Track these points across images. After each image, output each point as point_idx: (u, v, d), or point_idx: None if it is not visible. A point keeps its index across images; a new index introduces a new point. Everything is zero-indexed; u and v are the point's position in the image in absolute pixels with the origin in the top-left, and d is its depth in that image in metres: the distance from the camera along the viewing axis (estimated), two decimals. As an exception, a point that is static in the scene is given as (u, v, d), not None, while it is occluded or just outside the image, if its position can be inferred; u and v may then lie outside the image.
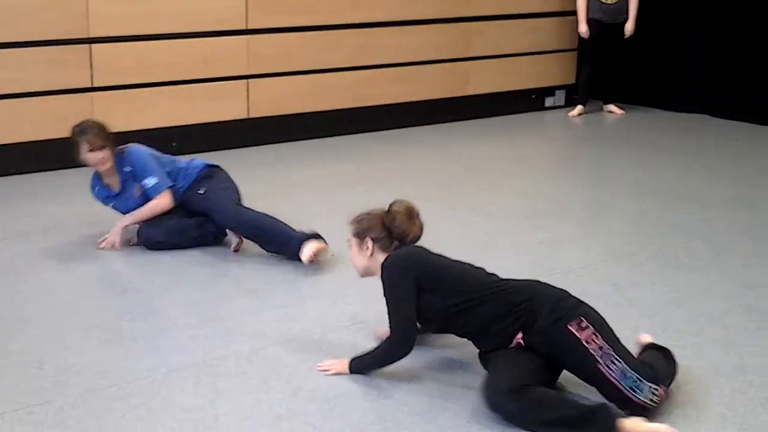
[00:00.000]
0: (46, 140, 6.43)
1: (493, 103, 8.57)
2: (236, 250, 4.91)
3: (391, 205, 3.63)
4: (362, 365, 3.51)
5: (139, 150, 5.00)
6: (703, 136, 7.99)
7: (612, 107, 8.82)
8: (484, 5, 8.35)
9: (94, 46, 6.50)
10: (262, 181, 6.28)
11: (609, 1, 8.38)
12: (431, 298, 3.41)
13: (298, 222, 5.40)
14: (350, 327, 3.98)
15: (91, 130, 4.86)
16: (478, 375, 3.47)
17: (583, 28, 8.47)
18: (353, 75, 7.72)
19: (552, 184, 6.53)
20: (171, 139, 6.83)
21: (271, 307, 4.22)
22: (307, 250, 4.62)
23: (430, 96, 8.18)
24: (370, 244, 3.55)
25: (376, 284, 4.40)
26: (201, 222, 4.96)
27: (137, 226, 4.98)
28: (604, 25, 8.43)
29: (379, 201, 5.81)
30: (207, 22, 6.95)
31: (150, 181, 4.92)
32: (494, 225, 5.44)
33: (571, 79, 9.07)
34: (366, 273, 3.63)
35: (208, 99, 7.02)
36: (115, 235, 4.95)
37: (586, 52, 8.67)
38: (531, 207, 5.79)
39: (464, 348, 3.69)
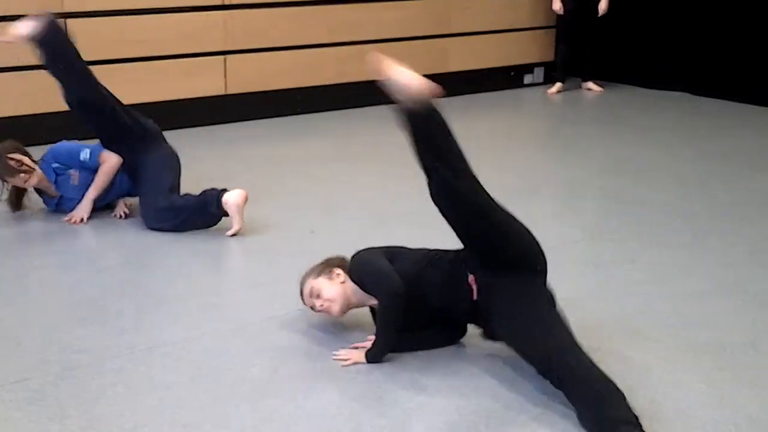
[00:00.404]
0: (15, 116, 6.35)
1: (473, 80, 8.56)
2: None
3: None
4: (376, 348, 3.42)
5: (58, 144, 5.07)
6: (681, 113, 8.02)
7: (590, 84, 8.84)
8: (464, -18, 8.33)
9: (69, 20, 6.42)
10: (240, 157, 6.25)
11: None
12: (400, 266, 3.44)
13: (276, 197, 5.40)
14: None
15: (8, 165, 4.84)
16: (465, 351, 3.49)
17: (557, 5, 8.48)
18: (332, 51, 7.68)
19: (529, 161, 6.53)
20: (147, 116, 6.76)
21: (251, 285, 4.21)
22: (233, 197, 4.69)
23: (409, 73, 8.13)
24: (339, 271, 3.54)
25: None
26: (197, 207, 4.84)
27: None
28: (578, 2, 8.43)
29: (357, 177, 5.84)
30: (184, -3, 6.90)
31: (84, 155, 4.96)
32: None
33: (549, 57, 9.07)
34: (347, 304, 3.53)
35: (185, 75, 6.97)
36: (83, 211, 4.96)
37: (561, 29, 8.69)
38: (508, 184, 5.78)
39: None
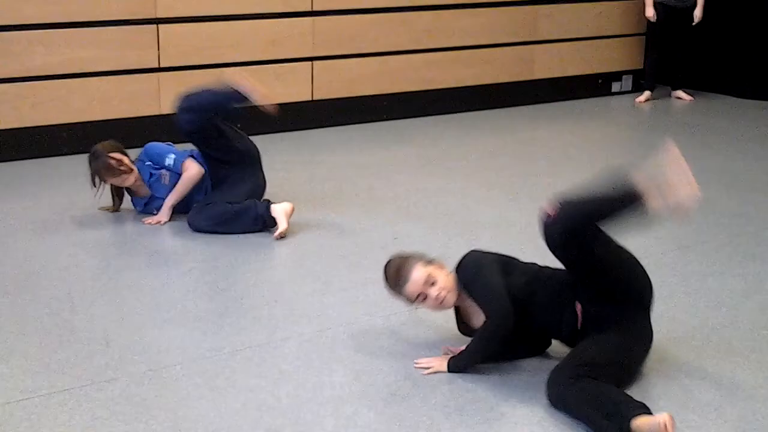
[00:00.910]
0: (114, 119, 6.49)
1: (559, 88, 8.47)
2: (280, 237, 4.85)
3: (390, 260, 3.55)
4: (462, 361, 3.38)
5: (150, 143, 5.16)
6: (746, 117, 7.82)
7: (680, 93, 8.67)
8: (552, -12, 8.26)
9: (161, 26, 6.55)
10: (326, 163, 6.28)
11: None
12: (511, 280, 3.37)
13: (361, 204, 5.41)
14: (412, 312, 3.96)
15: (101, 160, 4.93)
16: (549, 361, 3.45)
17: (650, 12, 8.31)
18: (419, 57, 7.68)
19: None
20: (235, 121, 6.85)
21: (333, 290, 4.22)
22: (279, 209, 4.81)
23: (496, 79, 8.11)
24: (443, 264, 3.47)
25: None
26: (241, 210, 4.89)
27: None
28: (671, 9, 8.26)
29: (442, 184, 5.83)
30: (273, 4, 6.97)
31: (170, 160, 5.04)
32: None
33: (638, 64, 8.92)
34: (455, 294, 3.44)
35: (272, 80, 7.03)
36: (163, 216, 5.04)
37: (653, 37, 8.51)
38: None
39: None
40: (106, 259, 4.58)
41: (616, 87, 8.87)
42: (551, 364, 3.29)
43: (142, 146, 5.77)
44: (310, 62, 7.19)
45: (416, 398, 3.24)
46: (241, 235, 4.88)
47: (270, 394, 3.26)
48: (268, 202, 4.89)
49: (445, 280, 3.39)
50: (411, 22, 7.57)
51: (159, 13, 6.52)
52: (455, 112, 7.89)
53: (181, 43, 6.65)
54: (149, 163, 5.09)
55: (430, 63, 7.74)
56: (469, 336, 3.51)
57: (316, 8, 7.15)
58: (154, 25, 6.53)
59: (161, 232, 4.95)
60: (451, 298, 3.41)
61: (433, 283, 3.37)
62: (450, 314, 3.59)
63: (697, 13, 8.26)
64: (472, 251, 3.50)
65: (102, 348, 3.59)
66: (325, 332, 3.76)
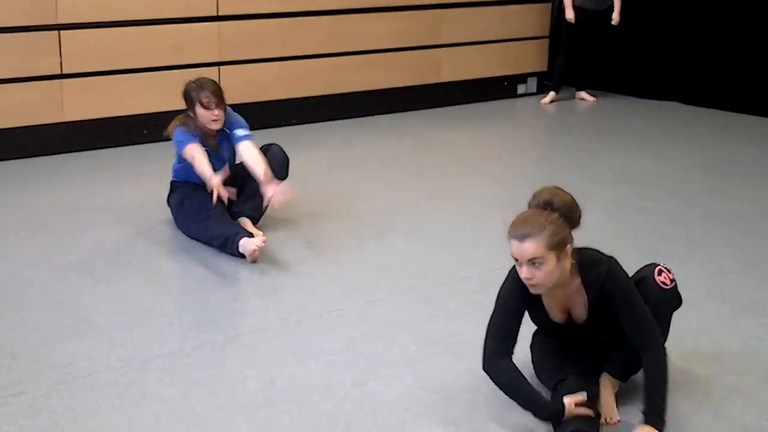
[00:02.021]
0: (17, 127, 6.34)
1: (466, 90, 8.56)
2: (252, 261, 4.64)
3: (549, 201, 3.05)
4: (662, 407, 2.98)
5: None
6: (674, 123, 8.03)
7: (584, 94, 8.84)
8: (456, -8, 8.35)
9: (63, 32, 6.42)
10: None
11: None
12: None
13: (273, 209, 5.38)
14: (326, 316, 3.96)
15: (208, 86, 4.83)
16: (453, 360, 3.48)
17: (570, 14, 8.39)
18: (325, 62, 7.68)
19: (525, 172, 6.53)
20: (142, 127, 6.78)
21: (245, 296, 4.20)
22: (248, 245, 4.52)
23: (402, 83, 8.15)
24: (569, 249, 3.04)
25: (352, 273, 4.43)
26: (221, 240, 4.67)
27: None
28: (587, 13, 8.41)
29: (352, 187, 5.84)
30: (177, 8, 6.89)
31: (241, 131, 4.93)
32: (472, 213, 5.44)
33: (542, 66, 9.08)
34: (552, 284, 3.03)
35: (179, 86, 6.93)
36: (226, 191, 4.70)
37: (566, 39, 8.60)
38: (507, 195, 5.79)
39: (428, 335, 3.69)
40: (11, 271, 4.46)
41: (521, 89, 9.00)
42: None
43: (43, 155, 5.68)
44: (216, 67, 7.13)
45: (330, 402, 3.24)
46: (147, 243, 4.81)
47: (183, 404, 3.22)
48: (239, 237, 4.57)
49: (550, 273, 2.96)
50: (317, 27, 7.57)
51: (60, 19, 6.39)
52: (363, 116, 7.91)
53: (83, 50, 6.53)
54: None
55: (337, 67, 7.74)
56: (541, 323, 3.28)
57: (221, 13, 7.09)
58: (56, 32, 6.39)
59: (69, 243, 4.85)
60: (543, 289, 3.02)
61: (536, 265, 2.96)
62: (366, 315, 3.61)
63: (615, 17, 8.41)
64: (614, 261, 3.11)
65: (8, 361, 3.51)
66: (237, 339, 3.74)
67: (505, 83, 8.88)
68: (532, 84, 9.05)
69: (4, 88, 6.29)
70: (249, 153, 4.89)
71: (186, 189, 4.94)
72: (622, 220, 5.32)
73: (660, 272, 3.16)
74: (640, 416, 2.98)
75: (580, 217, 3.07)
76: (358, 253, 4.75)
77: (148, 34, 6.79)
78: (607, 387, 3.21)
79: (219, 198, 4.66)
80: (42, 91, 6.40)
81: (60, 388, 3.31)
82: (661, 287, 3.12)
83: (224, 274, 4.44)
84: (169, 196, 5.05)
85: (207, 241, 4.72)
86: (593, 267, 3.07)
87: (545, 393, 3.19)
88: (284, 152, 5.10)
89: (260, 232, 4.81)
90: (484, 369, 3.11)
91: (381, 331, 3.82)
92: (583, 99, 8.83)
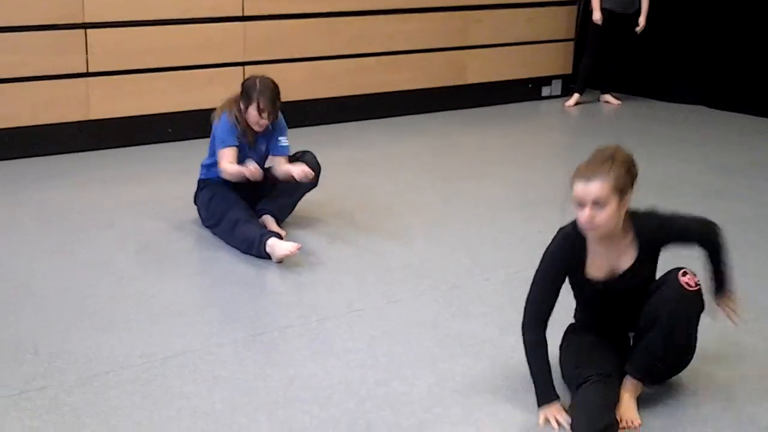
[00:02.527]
0: (43, 125, 6.39)
1: (490, 92, 8.55)
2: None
3: (612, 154, 3.12)
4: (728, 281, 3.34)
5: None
6: (697, 126, 7.99)
7: (608, 97, 8.81)
8: (482, -6, 8.34)
9: (89, 31, 6.46)
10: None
11: None
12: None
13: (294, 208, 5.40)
14: (346, 315, 3.97)
15: (269, 92, 4.80)
16: (473, 361, 3.48)
17: (598, 16, 8.36)
18: (350, 62, 7.69)
19: (548, 174, 6.51)
20: (167, 125, 6.82)
21: (267, 294, 4.22)
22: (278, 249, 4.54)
23: (427, 84, 8.15)
24: (627, 199, 3.13)
25: (372, 273, 4.43)
26: (243, 240, 4.73)
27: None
28: (614, 15, 8.37)
29: (374, 187, 5.85)
30: (203, 9, 6.92)
31: (284, 140, 4.98)
32: (491, 215, 5.43)
33: (567, 69, 9.05)
34: (609, 233, 3.15)
35: (204, 85, 6.99)
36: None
37: (592, 41, 8.57)
38: (527, 197, 5.78)
39: (448, 336, 3.69)
40: (33, 265, 4.50)
41: (546, 91, 8.98)
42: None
43: (68, 152, 5.75)
44: (241, 67, 7.16)
45: (351, 401, 3.25)
46: (168, 240, 4.84)
47: (204, 400, 3.23)
48: (265, 238, 4.61)
49: (611, 216, 3.07)
50: (342, 28, 7.58)
51: (87, 17, 6.43)
52: (388, 117, 7.92)
53: (109, 48, 6.57)
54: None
55: (362, 68, 7.75)
56: (580, 286, 3.32)
57: (247, 13, 7.11)
58: (82, 30, 6.44)
59: (91, 240, 4.88)
60: (600, 233, 3.11)
61: (599, 205, 3.06)
62: (386, 317, 3.61)
63: (641, 21, 8.39)
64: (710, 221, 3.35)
65: (31, 356, 3.54)
66: (259, 337, 3.75)
67: (530, 85, 8.86)
68: (556, 86, 9.03)
69: (31, 86, 6.33)
70: (284, 167, 4.89)
71: (215, 187, 4.95)
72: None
73: (684, 274, 3.16)
74: (661, 417, 2.97)
75: (637, 176, 3.17)
76: (379, 252, 4.75)
77: (174, 33, 6.83)
78: (628, 390, 3.20)
79: (245, 196, 4.73)
80: (68, 89, 6.45)
81: (82, 383, 3.33)
82: (685, 288, 3.12)
83: (246, 271, 4.45)
84: (196, 194, 5.07)
85: (233, 245, 4.74)
86: (649, 217, 3.25)
87: (567, 394, 3.19)
88: (317, 161, 5.10)
89: (284, 232, 4.83)
90: (522, 331, 3.22)
91: (402, 331, 3.82)
92: (607, 102, 8.80)
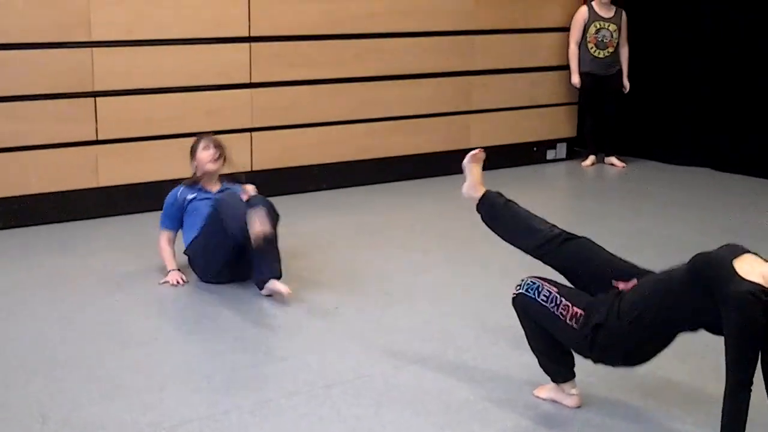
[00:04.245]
0: (52, 192, 6.45)
1: (495, 156, 8.54)
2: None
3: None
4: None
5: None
6: (702, 189, 8.01)
7: (613, 159, 8.85)
8: (486, 59, 8.43)
9: (98, 99, 6.55)
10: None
11: (600, 56, 8.53)
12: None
13: (299, 273, 5.42)
14: (354, 381, 3.97)
15: (207, 135, 5.40)
16: (481, 426, 3.46)
17: (576, 79, 8.60)
18: (356, 127, 7.77)
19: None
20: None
21: (274, 359, 4.22)
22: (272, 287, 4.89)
23: (432, 148, 8.22)
24: None
25: (379, 337, 4.43)
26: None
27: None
28: (596, 78, 8.56)
29: (379, 250, 5.87)
30: (211, 76, 7.02)
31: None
32: (496, 278, 5.44)
33: (572, 132, 9.12)
34: None
35: (211, 151, 7.04)
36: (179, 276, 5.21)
37: (585, 104, 8.80)
38: (533, 260, 5.76)
39: (455, 402, 3.68)
40: (41, 331, 4.52)
41: (551, 155, 9.04)
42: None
43: (78, 219, 5.81)
44: (249, 133, 7.24)
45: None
46: (177, 306, 4.86)
47: (210, 468, 3.23)
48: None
49: None
50: (348, 93, 7.67)
51: (96, 86, 6.53)
52: (393, 181, 7.97)
53: (118, 116, 6.65)
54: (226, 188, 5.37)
55: (367, 133, 7.83)
56: None
57: (254, 80, 7.21)
58: (92, 98, 6.53)
59: (99, 305, 4.90)
60: None
61: None
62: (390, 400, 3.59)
63: (626, 83, 8.58)
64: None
65: (39, 425, 3.54)
66: (265, 404, 3.74)
67: (535, 149, 8.92)
68: (561, 150, 9.09)
69: (40, 154, 6.40)
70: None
71: (206, 238, 5.14)
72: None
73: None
74: None
75: None
76: (386, 316, 4.76)
77: (182, 100, 6.91)
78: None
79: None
80: (77, 157, 6.52)
81: (89, 451, 3.33)
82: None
83: (253, 337, 4.46)
84: (190, 257, 5.29)
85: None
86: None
87: None
88: (271, 208, 5.18)
89: (288, 290, 4.92)
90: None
91: (409, 398, 3.81)
92: (612, 164, 8.84)
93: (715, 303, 3.14)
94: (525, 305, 3.67)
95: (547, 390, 3.80)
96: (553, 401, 3.76)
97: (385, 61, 7.84)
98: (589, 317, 3.44)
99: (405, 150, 8.07)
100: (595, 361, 3.55)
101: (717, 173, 8.56)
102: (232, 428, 3.53)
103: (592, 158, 8.82)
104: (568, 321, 3.51)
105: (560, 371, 3.71)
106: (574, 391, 3.71)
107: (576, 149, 9.11)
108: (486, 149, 8.70)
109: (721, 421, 3.11)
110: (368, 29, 7.71)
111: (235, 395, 3.82)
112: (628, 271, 3.65)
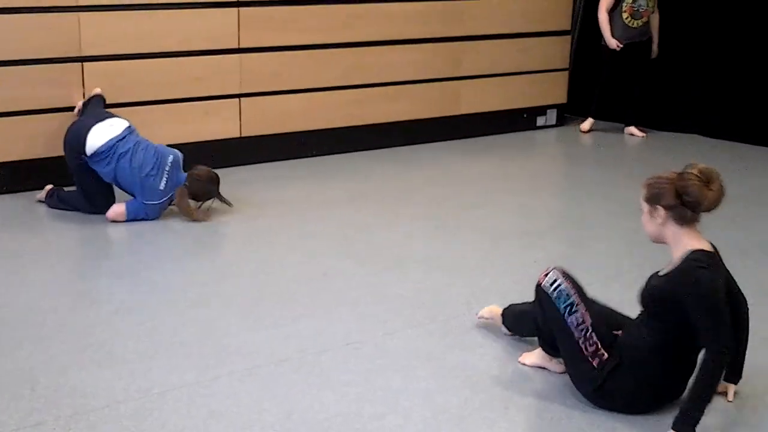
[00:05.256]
0: (39, 158, 6.41)
1: (485, 122, 8.58)
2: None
3: (684, 169, 3.36)
4: (695, 414, 3.16)
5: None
6: (696, 155, 8.00)
7: (633, 129, 8.65)
8: (475, 25, 8.37)
9: (86, 64, 6.49)
10: (255, 199, 6.27)
11: (633, 25, 8.33)
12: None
13: (290, 239, 5.41)
14: (344, 347, 3.97)
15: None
16: (471, 392, 3.47)
17: (614, 42, 8.35)
18: (345, 94, 7.72)
19: (544, 203, 6.53)
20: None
21: (264, 326, 4.21)
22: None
23: (421, 115, 8.18)
24: (662, 212, 3.35)
25: (369, 304, 4.43)
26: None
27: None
28: (627, 46, 8.36)
29: (370, 218, 5.86)
30: (199, 41, 6.95)
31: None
32: (488, 244, 5.44)
33: (562, 99, 9.08)
34: (657, 240, 3.46)
35: (200, 117, 7.02)
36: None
37: (609, 69, 8.51)
38: (524, 226, 5.79)
39: (446, 368, 3.69)
40: (31, 298, 4.50)
41: (540, 121, 9.01)
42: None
43: (66, 186, 5.79)
44: (237, 99, 7.19)
45: (348, 434, 3.25)
46: (167, 273, 4.85)
47: (200, 435, 3.23)
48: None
49: (644, 222, 3.44)
50: (337, 59, 7.62)
51: (84, 51, 6.46)
52: (383, 148, 7.94)
53: (106, 81, 6.59)
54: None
55: (357, 99, 7.78)
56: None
57: (243, 45, 7.15)
58: (79, 63, 6.47)
59: (90, 273, 4.89)
60: (649, 236, 3.49)
61: (648, 214, 3.41)
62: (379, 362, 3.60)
63: (654, 48, 8.44)
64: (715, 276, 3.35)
65: (27, 391, 3.53)
66: (256, 369, 3.74)
67: (524, 115, 8.89)
68: (551, 116, 9.06)
69: (27, 119, 6.35)
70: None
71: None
72: (641, 252, 5.29)
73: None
74: None
75: (699, 203, 3.32)
76: (377, 283, 4.75)
77: (170, 66, 6.85)
78: None
79: None
80: (65, 122, 6.46)
81: (78, 418, 3.33)
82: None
83: (243, 304, 4.46)
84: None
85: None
86: (691, 265, 3.30)
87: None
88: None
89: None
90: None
91: (399, 364, 3.82)
92: (632, 134, 8.68)
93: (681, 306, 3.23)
94: (547, 307, 3.54)
95: (534, 356, 3.80)
96: (540, 368, 3.76)
97: (375, 26, 7.78)
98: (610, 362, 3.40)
99: (394, 116, 8.03)
100: (594, 399, 3.49)
101: (707, 139, 8.53)
102: (222, 394, 3.53)
103: (590, 121, 8.73)
104: (589, 358, 3.41)
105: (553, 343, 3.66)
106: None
107: (566, 116, 9.08)
108: (476, 116, 8.76)
109: (695, 393, 3.15)
110: (358, -6, 7.67)
111: (224, 362, 3.82)
112: (625, 322, 3.62)
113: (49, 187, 6.05)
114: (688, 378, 3.36)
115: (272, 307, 4.44)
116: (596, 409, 3.47)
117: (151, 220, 5.65)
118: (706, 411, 3.14)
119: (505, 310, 4.06)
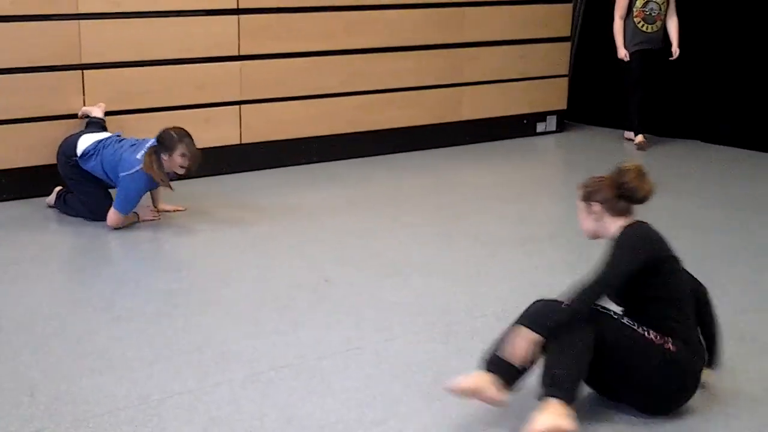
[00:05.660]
0: (39, 166, 6.41)
1: (486, 129, 8.59)
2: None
3: (618, 165, 3.66)
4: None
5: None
6: (694, 161, 8.01)
7: (631, 134, 8.60)
8: (475, 32, 8.38)
9: (86, 72, 6.50)
10: (256, 206, 6.27)
11: (648, 30, 8.23)
12: (644, 288, 3.46)
13: (290, 247, 5.41)
14: (345, 353, 3.97)
15: (192, 144, 5.68)
16: (468, 400, 3.47)
17: (623, 53, 8.27)
18: (345, 101, 7.73)
19: (544, 210, 6.53)
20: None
21: (264, 332, 4.21)
22: None
23: (423, 121, 8.19)
24: (597, 207, 3.59)
25: (370, 310, 4.43)
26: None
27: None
28: (645, 53, 8.27)
29: (370, 224, 5.86)
30: (200, 49, 6.97)
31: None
32: (487, 250, 5.44)
33: (562, 105, 9.09)
34: (593, 236, 3.67)
35: (200, 125, 7.02)
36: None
37: (633, 80, 8.35)
38: (524, 232, 5.79)
39: (445, 374, 3.70)
40: (31, 306, 4.50)
41: (540, 127, 9.02)
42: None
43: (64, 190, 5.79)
44: (238, 106, 7.20)
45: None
46: (168, 280, 4.85)
47: (200, 441, 3.23)
48: None
49: (582, 220, 3.69)
50: (338, 66, 7.63)
51: (84, 59, 6.48)
52: (384, 154, 7.95)
53: (106, 89, 6.60)
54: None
55: (358, 106, 7.79)
56: None
57: (243, 52, 7.16)
58: (79, 71, 6.48)
59: (89, 280, 4.89)
60: (586, 235, 3.71)
61: (584, 211, 3.67)
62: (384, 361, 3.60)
63: (674, 50, 8.24)
64: (647, 227, 3.60)
65: (27, 398, 3.53)
66: (256, 376, 3.74)
67: (525, 121, 8.90)
68: (551, 122, 9.07)
69: (28, 127, 6.36)
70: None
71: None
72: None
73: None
74: None
75: (635, 192, 3.58)
76: (377, 289, 4.76)
77: (170, 73, 6.86)
78: None
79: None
80: (65, 130, 6.47)
81: (78, 425, 3.33)
82: None
83: (244, 311, 4.46)
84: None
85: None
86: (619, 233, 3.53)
87: None
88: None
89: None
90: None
91: (399, 370, 3.82)
92: (630, 139, 8.63)
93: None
94: (595, 319, 3.39)
95: (546, 416, 3.23)
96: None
97: (375, 33, 7.79)
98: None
99: (396, 123, 8.04)
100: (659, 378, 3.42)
101: (707, 145, 8.51)
102: (223, 401, 3.52)
103: (641, 136, 8.41)
104: (654, 340, 3.40)
105: (575, 389, 3.31)
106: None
107: (566, 122, 9.09)
108: (476, 122, 8.77)
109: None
110: (358, 1, 7.67)
111: (225, 368, 3.82)
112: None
113: (57, 189, 6.10)
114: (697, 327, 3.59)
115: (272, 314, 4.44)
116: (597, 413, 3.46)
117: (135, 199, 5.72)
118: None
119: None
